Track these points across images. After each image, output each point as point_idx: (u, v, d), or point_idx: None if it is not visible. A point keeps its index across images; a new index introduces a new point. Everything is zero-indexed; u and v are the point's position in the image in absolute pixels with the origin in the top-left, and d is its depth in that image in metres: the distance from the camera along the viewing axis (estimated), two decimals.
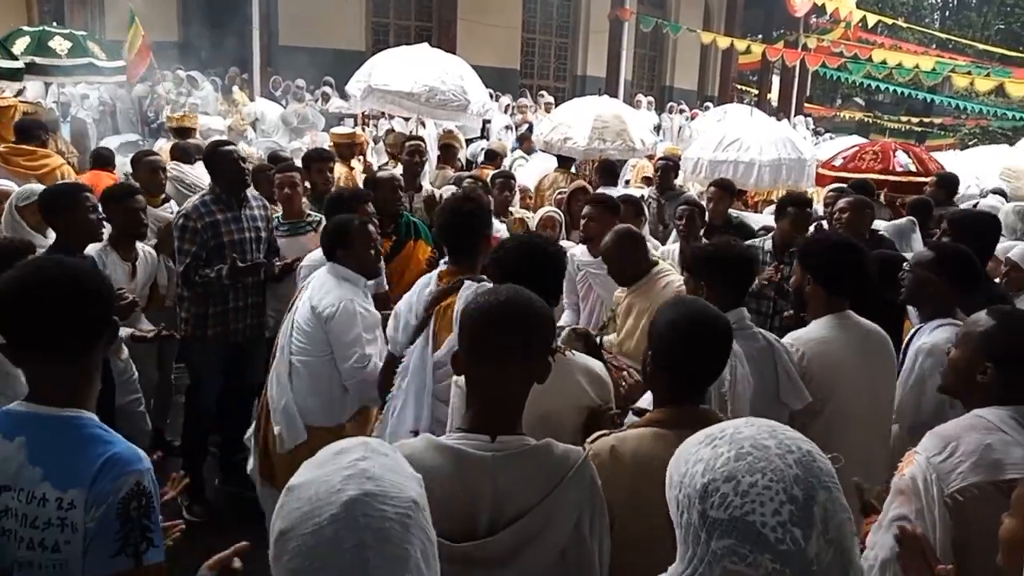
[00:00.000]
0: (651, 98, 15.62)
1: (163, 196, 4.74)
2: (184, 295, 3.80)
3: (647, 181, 7.99)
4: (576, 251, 4.00)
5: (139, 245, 3.83)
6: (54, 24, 9.91)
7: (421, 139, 6.84)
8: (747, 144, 6.92)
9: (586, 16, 16.74)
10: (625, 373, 2.76)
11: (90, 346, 1.52)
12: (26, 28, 9.13)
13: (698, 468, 1.04)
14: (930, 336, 2.64)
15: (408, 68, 7.48)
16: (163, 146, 7.37)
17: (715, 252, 2.60)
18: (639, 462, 1.66)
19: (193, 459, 3.87)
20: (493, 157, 7.97)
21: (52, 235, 3.39)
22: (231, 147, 3.98)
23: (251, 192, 3.98)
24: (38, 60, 8.23)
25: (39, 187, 3.86)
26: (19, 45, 8.13)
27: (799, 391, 2.51)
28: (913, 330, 2.77)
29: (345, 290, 3.00)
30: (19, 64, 6.76)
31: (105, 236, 3.55)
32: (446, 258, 2.81)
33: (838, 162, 7.01)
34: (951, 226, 3.64)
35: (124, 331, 3.42)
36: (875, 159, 6.40)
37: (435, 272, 2.76)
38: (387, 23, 14.72)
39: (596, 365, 2.13)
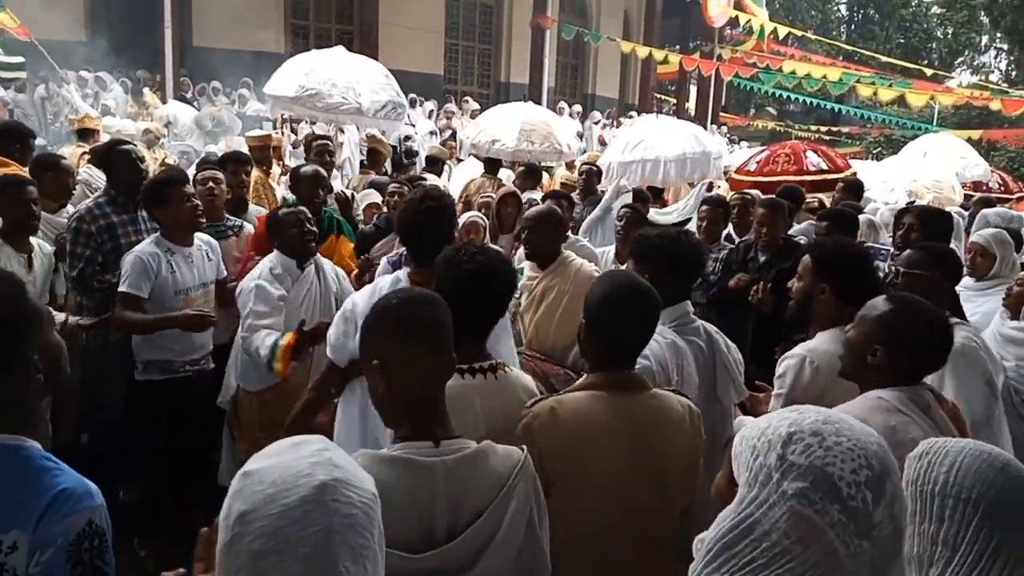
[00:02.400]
0: (579, 107, 15.83)
1: (61, 202, 4.47)
2: (83, 303, 3.61)
3: (565, 187, 8.06)
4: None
5: (34, 240, 3.61)
6: None
7: (329, 139, 6.74)
8: (652, 143, 7.10)
9: (508, 23, 16.83)
10: (547, 368, 2.76)
11: (13, 358, 1.35)
12: None
13: (784, 422, 1.09)
14: None
15: (301, 72, 7.30)
16: (70, 151, 6.98)
17: (666, 243, 2.55)
18: (579, 420, 1.76)
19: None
20: (434, 163, 7.80)
21: None
22: (128, 146, 3.88)
23: None
24: None
25: None
26: None
27: (738, 387, 2.56)
28: None
29: (260, 271, 3.33)
30: None
31: None
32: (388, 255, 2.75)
33: (752, 167, 7.24)
34: (921, 223, 3.76)
35: (58, 316, 3.29)
36: (788, 161, 6.65)
37: (399, 273, 2.58)
38: (307, 25, 14.43)
39: (530, 381, 2.09)
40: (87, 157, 5.68)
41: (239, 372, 3.52)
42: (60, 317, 3.46)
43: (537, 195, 6.34)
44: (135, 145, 4.18)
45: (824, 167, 6.52)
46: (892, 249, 4.25)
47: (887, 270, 3.72)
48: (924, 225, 3.76)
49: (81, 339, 3.50)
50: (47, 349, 1.72)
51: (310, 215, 3.54)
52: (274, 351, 3.12)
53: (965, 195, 9.09)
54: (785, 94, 18.11)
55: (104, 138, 6.93)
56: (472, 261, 1.98)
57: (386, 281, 2.55)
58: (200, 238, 3.58)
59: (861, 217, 4.71)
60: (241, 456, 3.40)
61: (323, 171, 4.55)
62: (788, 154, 6.71)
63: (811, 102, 19.37)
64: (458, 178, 8.05)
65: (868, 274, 2.49)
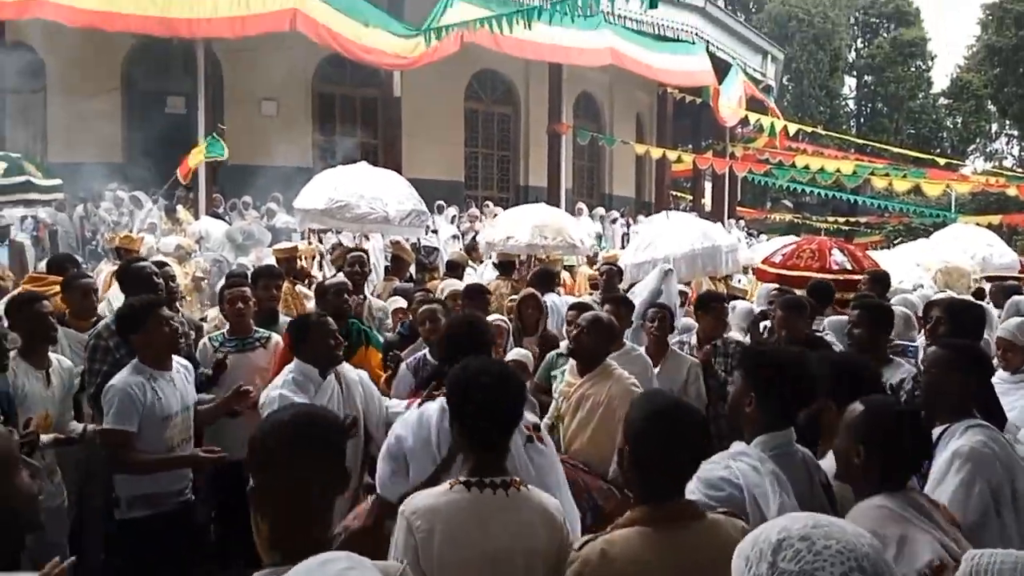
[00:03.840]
0: (601, 209, 16.14)
1: (93, 320, 4.58)
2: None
3: (593, 287, 8.13)
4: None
5: (53, 356, 3.66)
6: None
7: (363, 251, 6.94)
8: (662, 243, 7.22)
9: (525, 130, 17.44)
10: (588, 480, 2.70)
11: None
12: None
13: (774, 529, 1.10)
14: (963, 438, 2.47)
15: (330, 185, 7.63)
16: (103, 268, 7.21)
17: (785, 361, 2.27)
18: (631, 563, 1.67)
19: None
20: (454, 268, 7.87)
21: None
22: (144, 263, 4.03)
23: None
24: None
25: None
26: None
27: None
28: (937, 434, 2.55)
29: (283, 379, 3.29)
30: None
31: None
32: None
33: (777, 259, 7.26)
34: (950, 317, 3.65)
35: (45, 437, 3.18)
36: (812, 257, 6.65)
37: (444, 402, 2.43)
38: (333, 140, 15.05)
39: (553, 505, 1.99)
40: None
41: None
42: (78, 427, 3.48)
43: (553, 298, 6.37)
44: (165, 262, 4.32)
45: (848, 267, 6.52)
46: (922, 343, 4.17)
47: (918, 367, 3.64)
48: (952, 318, 3.65)
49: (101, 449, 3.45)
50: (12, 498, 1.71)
51: (336, 325, 3.56)
52: None
53: (989, 278, 9.08)
54: (800, 187, 18.39)
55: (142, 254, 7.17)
56: (480, 375, 1.98)
57: (433, 408, 2.51)
58: (178, 361, 3.47)
59: (897, 310, 4.64)
60: None
61: (348, 282, 4.65)
62: (814, 250, 6.73)
63: (827, 194, 19.66)
64: (479, 280, 8.18)
65: (793, 381, 2.24)
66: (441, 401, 2.45)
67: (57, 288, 4.20)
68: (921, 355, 4.11)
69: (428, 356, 3.93)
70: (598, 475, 3.10)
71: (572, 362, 3.58)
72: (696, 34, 16.36)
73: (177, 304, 4.95)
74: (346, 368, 3.57)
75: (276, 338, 4.37)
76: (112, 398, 3.11)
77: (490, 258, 9.27)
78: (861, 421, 2.02)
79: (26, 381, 3.33)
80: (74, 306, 4.00)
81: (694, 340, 4.67)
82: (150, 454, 3.14)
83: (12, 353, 3.34)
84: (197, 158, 11.40)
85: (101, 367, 3.56)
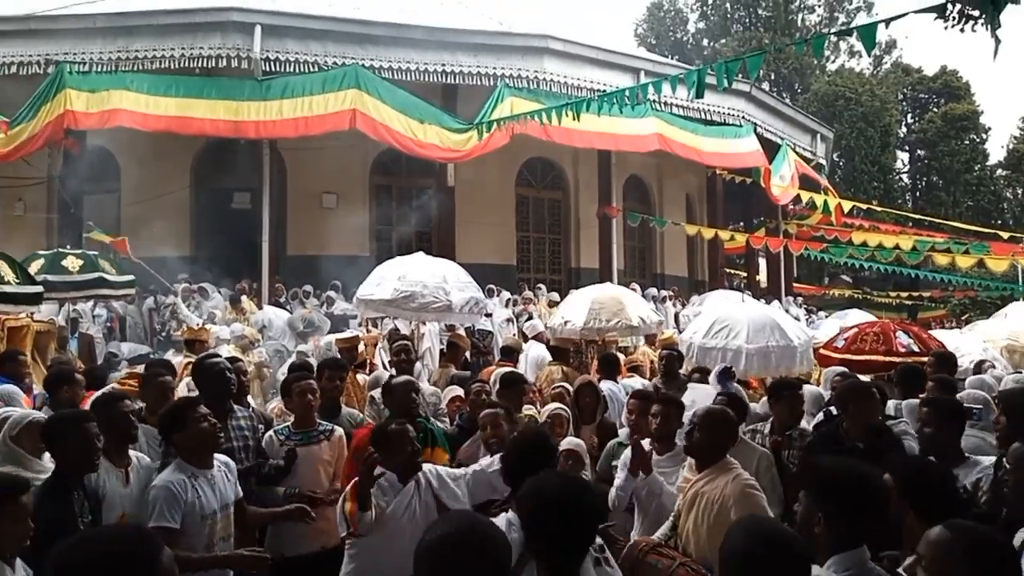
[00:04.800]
0: (653, 290, 16.05)
1: None
2: None
3: (636, 371, 7.98)
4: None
5: (133, 454, 3.76)
6: (67, 246, 10.46)
7: (408, 338, 7.08)
8: (735, 331, 7.04)
9: (576, 214, 17.66)
10: None
11: None
12: (41, 252, 9.61)
13: None
14: None
15: (393, 276, 7.85)
16: (173, 359, 7.46)
17: (848, 476, 2.18)
18: None
19: None
20: (509, 354, 7.89)
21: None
22: (216, 359, 4.14)
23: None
24: (51, 278, 8.60)
25: (30, 412, 3.86)
26: (34, 267, 8.53)
27: None
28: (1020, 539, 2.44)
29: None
30: (38, 289, 7.04)
31: None
32: None
33: (840, 343, 7.10)
34: (1008, 409, 3.51)
35: None
36: (877, 341, 6.49)
37: (511, 517, 2.47)
38: (389, 229, 15.51)
39: None
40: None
41: None
42: None
43: (610, 385, 6.31)
44: (229, 351, 4.45)
45: (915, 348, 6.34)
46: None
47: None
48: (1013, 412, 3.46)
49: None
50: None
51: (414, 430, 3.59)
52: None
53: None
54: (858, 263, 18.05)
55: (211, 345, 7.43)
56: (560, 500, 1.97)
57: (501, 521, 2.49)
58: (218, 458, 3.53)
59: (977, 395, 4.46)
60: None
61: (415, 380, 4.70)
62: (878, 333, 6.58)
63: (887, 267, 19.23)
64: (523, 365, 8.16)
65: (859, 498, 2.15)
66: (508, 516, 2.47)
67: (133, 385, 4.36)
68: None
69: None
70: None
71: (690, 459, 3.51)
72: (743, 117, 16.54)
73: (247, 398, 5.08)
74: (427, 470, 3.57)
75: (339, 431, 4.44)
76: (156, 496, 3.21)
77: (539, 339, 9.28)
78: (820, 493, 2.11)
79: (107, 479, 3.42)
80: (152, 403, 4.14)
81: (767, 429, 4.52)
82: (191, 552, 3.17)
83: None
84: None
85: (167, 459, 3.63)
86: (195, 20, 12.67)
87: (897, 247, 15.66)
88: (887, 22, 7.25)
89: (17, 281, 6.59)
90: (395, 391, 4.45)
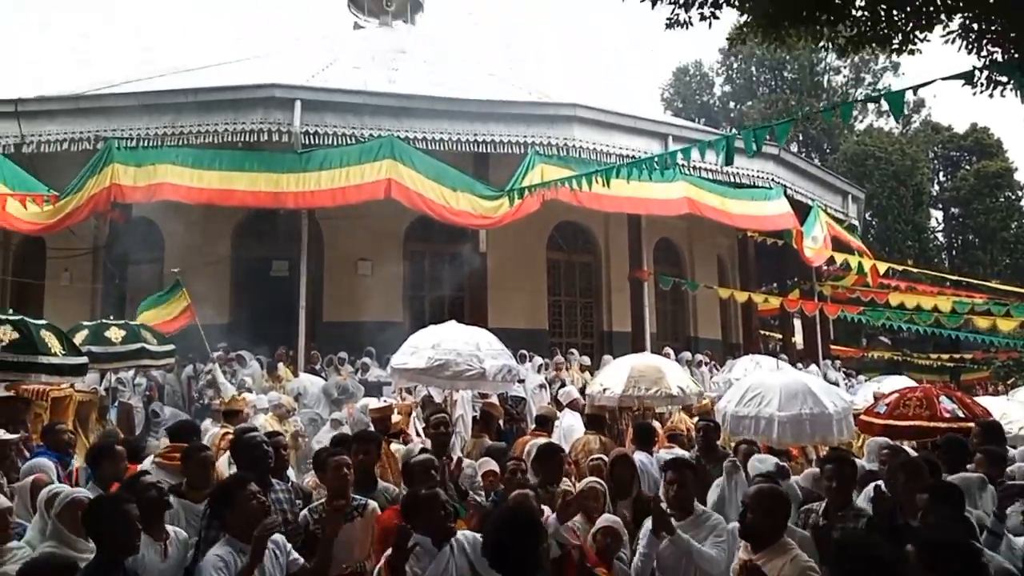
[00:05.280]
0: (688, 354, 15.82)
1: (207, 492, 4.74)
2: None
3: (676, 440, 7.82)
4: None
5: (171, 528, 3.79)
6: (111, 317, 10.73)
7: (444, 410, 7.07)
8: (767, 399, 6.78)
9: (607, 277, 17.69)
10: None
11: None
12: (85, 323, 9.87)
13: None
14: None
15: (427, 345, 7.89)
16: (209, 428, 7.54)
17: (863, 557, 2.24)
18: None
19: None
20: (544, 423, 7.79)
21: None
22: (255, 434, 4.25)
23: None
24: (95, 349, 8.80)
25: (73, 491, 3.91)
26: (79, 338, 8.73)
27: None
28: None
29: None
30: (83, 360, 7.21)
31: None
32: None
33: (882, 409, 6.93)
34: None
35: None
36: (920, 406, 6.33)
37: None
38: (423, 294, 15.69)
39: None
40: (230, 438, 6.09)
41: None
42: None
43: (643, 457, 6.21)
44: (266, 419, 4.49)
45: (960, 414, 6.16)
46: None
47: None
48: None
49: None
50: None
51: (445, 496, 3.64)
52: None
53: None
54: (896, 325, 17.71)
55: (248, 413, 7.50)
56: None
57: None
58: (272, 539, 3.56)
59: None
60: None
61: (433, 458, 4.73)
62: (921, 398, 6.40)
63: (927, 329, 18.83)
64: (557, 435, 8.07)
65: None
66: None
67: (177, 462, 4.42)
68: None
69: None
70: None
71: (743, 541, 3.43)
72: (773, 180, 16.59)
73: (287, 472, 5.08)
74: (464, 537, 3.60)
75: (373, 505, 4.42)
76: (205, 566, 3.32)
77: (573, 406, 9.18)
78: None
79: (145, 553, 3.47)
80: (192, 477, 4.18)
81: (821, 509, 4.34)
82: None
83: None
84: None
85: (216, 534, 3.63)
86: (238, 97, 13.23)
87: (936, 309, 15.36)
88: (915, 89, 7.32)
89: (64, 352, 6.77)
90: (415, 472, 4.54)
